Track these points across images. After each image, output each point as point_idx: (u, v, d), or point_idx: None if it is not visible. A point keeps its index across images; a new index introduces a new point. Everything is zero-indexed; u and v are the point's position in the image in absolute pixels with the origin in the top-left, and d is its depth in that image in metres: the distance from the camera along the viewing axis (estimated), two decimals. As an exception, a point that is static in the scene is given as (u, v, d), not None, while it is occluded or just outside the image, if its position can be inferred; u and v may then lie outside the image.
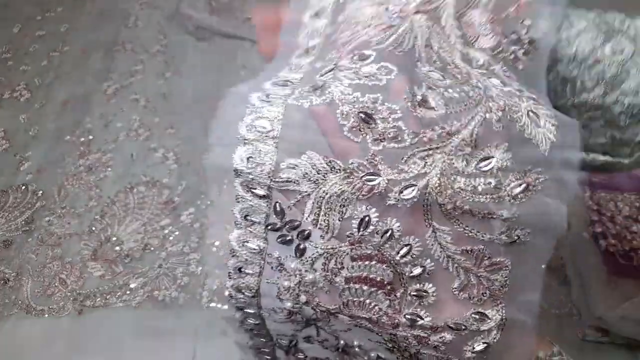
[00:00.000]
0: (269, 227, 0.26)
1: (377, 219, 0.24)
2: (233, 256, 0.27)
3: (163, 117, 0.79)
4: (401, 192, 0.23)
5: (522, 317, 0.26)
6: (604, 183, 0.67)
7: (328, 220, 0.25)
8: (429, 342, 0.26)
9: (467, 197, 0.23)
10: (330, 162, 0.24)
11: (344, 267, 0.25)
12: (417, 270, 0.25)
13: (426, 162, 0.23)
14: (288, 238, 0.26)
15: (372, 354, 0.30)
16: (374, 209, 0.24)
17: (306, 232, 0.25)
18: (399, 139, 0.23)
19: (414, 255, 0.25)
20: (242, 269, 0.28)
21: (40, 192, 0.69)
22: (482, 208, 0.23)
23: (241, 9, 0.96)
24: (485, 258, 0.25)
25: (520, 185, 0.24)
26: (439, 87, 0.24)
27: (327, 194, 0.24)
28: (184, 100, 0.82)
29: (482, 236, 0.24)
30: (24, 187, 0.70)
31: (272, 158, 0.25)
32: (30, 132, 0.77)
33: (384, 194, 0.24)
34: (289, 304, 0.27)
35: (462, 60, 0.26)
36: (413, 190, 0.23)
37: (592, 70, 0.28)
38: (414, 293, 0.25)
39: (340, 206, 0.24)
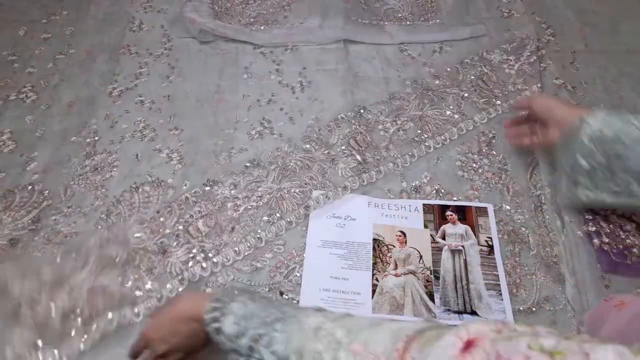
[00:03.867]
0: None
1: None
2: None
3: (167, 119, 0.80)
4: None
5: None
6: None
7: None
8: None
9: None
10: None
11: None
12: None
13: None
14: None
15: None
16: None
17: None
18: None
19: None
20: None
21: (47, 191, 0.70)
22: None
23: (242, 13, 0.97)
24: None
25: None
26: None
27: None
28: (187, 102, 0.83)
29: None
30: (30, 187, 0.71)
31: None
32: (37, 133, 0.78)
33: None
34: None
35: None
36: None
37: None
38: None
39: None
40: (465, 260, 0.63)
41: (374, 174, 0.72)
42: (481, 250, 0.64)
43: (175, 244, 0.65)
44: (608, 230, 0.63)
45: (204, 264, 0.62)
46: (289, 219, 0.67)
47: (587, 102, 0.83)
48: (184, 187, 0.71)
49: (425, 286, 0.61)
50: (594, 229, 0.64)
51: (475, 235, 0.66)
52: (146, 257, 0.63)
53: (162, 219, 0.67)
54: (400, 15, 0.99)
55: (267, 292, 0.61)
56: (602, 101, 0.83)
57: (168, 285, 0.60)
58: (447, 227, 0.66)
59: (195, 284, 0.61)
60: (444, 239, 0.65)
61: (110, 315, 0.57)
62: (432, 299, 0.60)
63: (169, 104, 0.83)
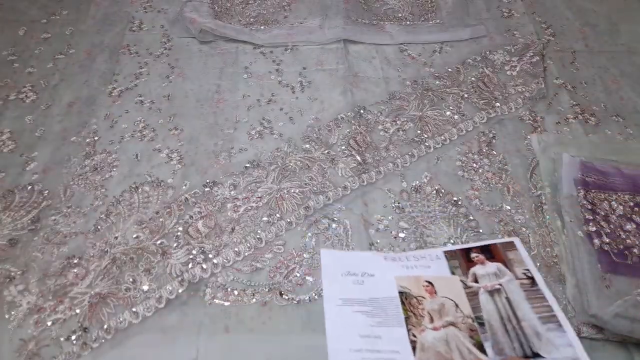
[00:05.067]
0: None
1: None
2: None
3: (167, 119, 0.80)
4: None
5: None
6: (599, 183, 0.68)
7: None
8: None
9: None
10: None
11: None
12: None
13: None
14: None
15: None
16: None
17: None
18: None
19: None
20: None
21: (46, 191, 0.70)
22: None
23: (242, 13, 0.97)
24: None
25: None
26: None
27: None
28: (187, 101, 0.83)
29: None
30: (30, 187, 0.71)
31: None
32: (36, 133, 0.78)
33: None
34: None
35: None
36: None
37: None
38: None
39: None
40: (507, 299, 0.57)
41: (374, 174, 0.72)
42: (522, 283, 0.59)
43: (175, 245, 0.64)
44: (608, 231, 0.63)
45: (204, 265, 0.62)
46: (288, 220, 0.67)
47: (587, 102, 0.83)
48: (184, 187, 0.71)
49: (471, 337, 0.54)
50: (594, 229, 0.63)
51: (510, 270, 0.60)
52: (145, 258, 0.63)
53: (161, 220, 0.67)
54: (400, 15, 0.99)
55: (267, 292, 0.61)
56: (602, 101, 0.84)
57: (168, 287, 0.60)
58: (477, 269, 0.61)
59: (196, 285, 0.61)
60: (476, 281, 0.60)
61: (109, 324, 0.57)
62: (482, 349, 0.53)
63: (169, 103, 0.83)
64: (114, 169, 0.73)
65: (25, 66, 0.88)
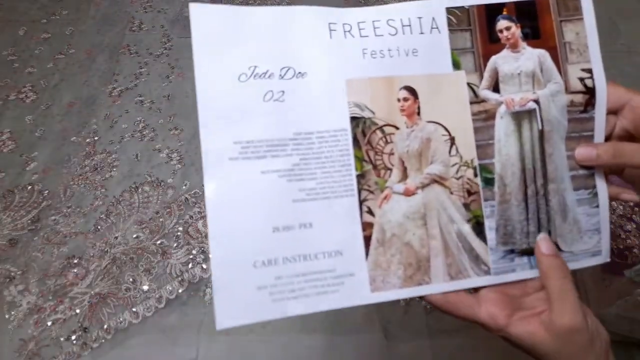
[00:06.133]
0: None
1: None
2: None
3: (167, 118, 0.80)
4: None
5: None
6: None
7: None
8: None
9: None
10: None
11: None
12: None
13: None
14: None
15: None
16: None
17: None
18: None
19: None
20: None
21: (46, 191, 0.70)
22: None
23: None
24: None
25: None
26: None
27: None
28: (187, 101, 0.83)
29: None
30: (30, 187, 0.71)
31: None
32: (36, 133, 0.78)
33: None
34: None
35: None
36: None
37: None
38: None
39: None
40: (541, 133, 0.31)
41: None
42: (572, 103, 0.31)
43: (175, 245, 0.64)
44: (608, 231, 0.64)
45: (204, 265, 0.62)
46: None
47: (587, 102, 0.83)
48: (184, 187, 0.71)
49: (466, 205, 0.30)
50: (594, 229, 0.64)
51: (560, 71, 0.31)
52: (145, 258, 0.63)
53: (161, 220, 0.67)
54: (400, 15, 0.98)
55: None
56: (603, 101, 0.83)
57: (168, 287, 0.60)
58: (502, 60, 0.31)
59: (196, 285, 0.61)
60: (496, 89, 0.31)
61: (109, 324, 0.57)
62: (480, 233, 0.30)
63: (169, 103, 0.83)
64: (114, 169, 0.73)
65: (25, 66, 0.88)
